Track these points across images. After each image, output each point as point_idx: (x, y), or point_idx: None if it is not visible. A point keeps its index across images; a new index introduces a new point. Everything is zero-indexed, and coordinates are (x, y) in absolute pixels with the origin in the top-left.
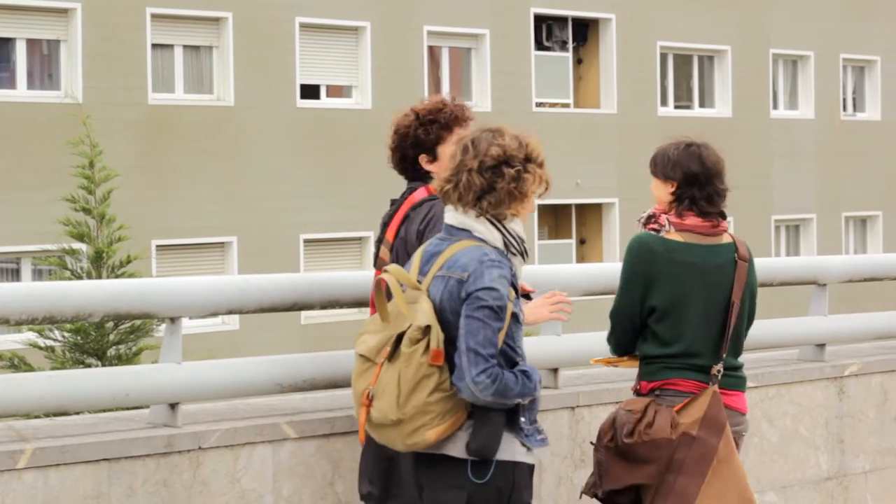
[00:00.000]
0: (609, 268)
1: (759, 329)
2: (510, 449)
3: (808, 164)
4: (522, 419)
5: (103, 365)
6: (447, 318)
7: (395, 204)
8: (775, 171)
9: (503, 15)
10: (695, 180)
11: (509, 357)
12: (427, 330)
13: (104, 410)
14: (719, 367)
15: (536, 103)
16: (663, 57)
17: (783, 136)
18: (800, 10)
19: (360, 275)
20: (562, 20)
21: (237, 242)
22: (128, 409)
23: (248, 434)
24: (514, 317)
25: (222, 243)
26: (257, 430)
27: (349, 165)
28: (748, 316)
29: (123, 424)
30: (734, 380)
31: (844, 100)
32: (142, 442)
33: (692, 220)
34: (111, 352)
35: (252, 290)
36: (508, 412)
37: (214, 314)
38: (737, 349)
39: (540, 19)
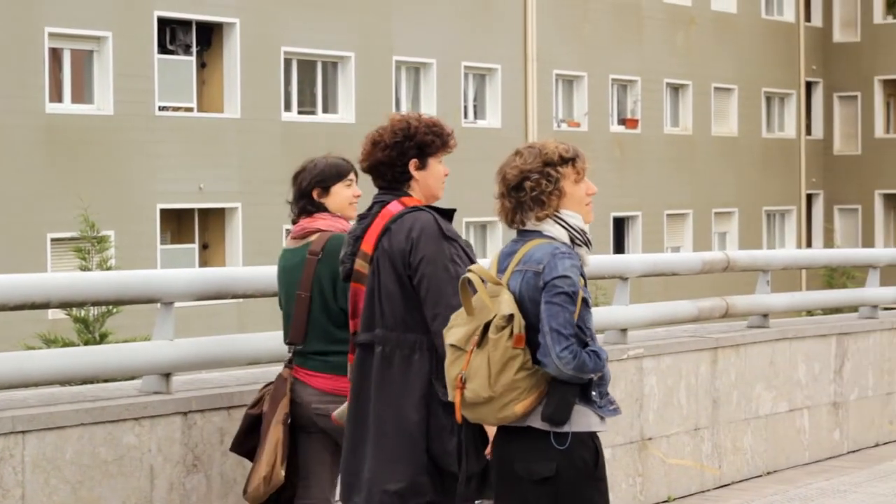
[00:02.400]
0: (229, 272)
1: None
2: (586, 421)
3: None
4: (594, 393)
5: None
6: (526, 307)
7: (367, 218)
8: None
9: (126, 17)
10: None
11: (579, 338)
12: (510, 318)
13: (107, 381)
14: (293, 350)
15: (159, 107)
16: (287, 62)
17: None
18: (422, 17)
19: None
20: (186, 24)
21: None
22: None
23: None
24: (584, 301)
25: None
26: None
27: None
28: (337, 300)
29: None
30: (317, 363)
31: (465, 107)
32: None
33: (293, 228)
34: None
35: None
36: (581, 387)
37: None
38: (325, 335)
39: (163, 22)
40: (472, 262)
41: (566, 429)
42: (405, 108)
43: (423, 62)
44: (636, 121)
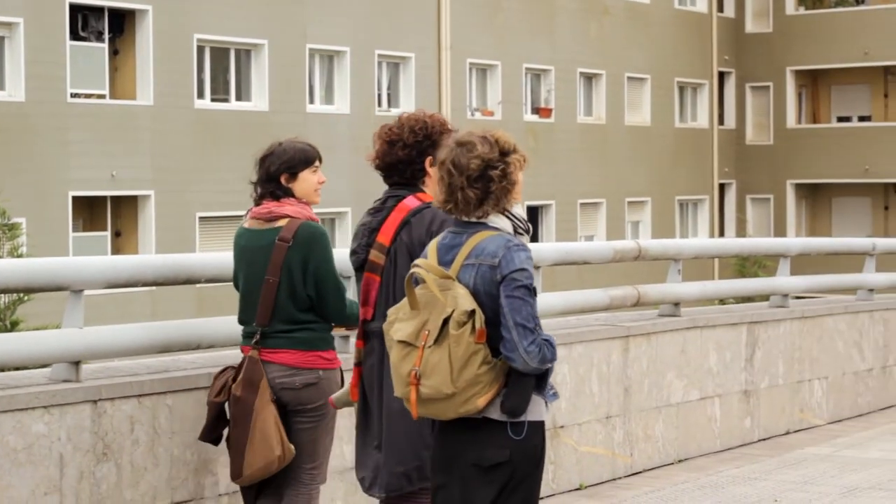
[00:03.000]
0: (139, 260)
1: None
2: (538, 409)
3: (344, 158)
4: (546, 383)
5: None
6: (482, 301)
7: (382, 211)
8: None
9: (38, 3)
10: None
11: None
12: (472, 313)
13: (17, 369)
14: (258, 333)
15: (71, 94)
16: (200, 49)
17: (319, 131)
18: (335, 5)
19: None
20: (98, 10)
21: None
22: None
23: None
24: (533, 291)
25: None
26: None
27: None
28: (305, 287)
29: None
30: (280, 340)
31: (379, 95)
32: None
33: (255, 209)
34: None
35: None
36: (537, 377)
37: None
38: (289, 318)
39: (76, 9)
40: None
41: (522, 419)
42: (318, 96)
43: (337, 50)
44: (549, 110)
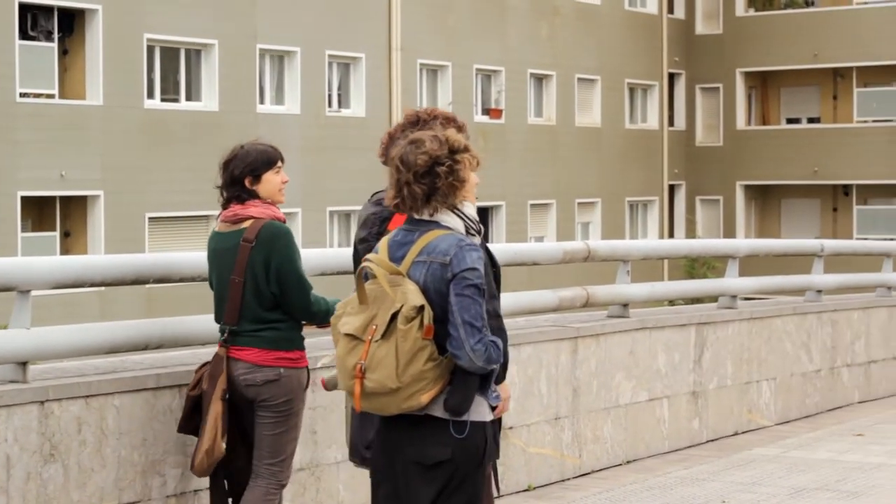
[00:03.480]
0: (87, 260)
1: None
2: (482, 411)
3: (295, 158)
4: (490, 384)
5: None
6: (431, 298)
7: None
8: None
9: None
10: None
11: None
12: (421, 309)
13: None
14: (227, 331)
15: (20, 94)
16: (150, 49)
17: (270, 131)
18: (286, 5)
19: None
20: (47, 10)
21: None
22: None
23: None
24: (482, 291)
25: None
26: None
27: None
28: (269, 285)
29: None
30: (248, 338)
31: (330, 95)
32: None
33: (223, 212)
34: None
35: None
36: (481, 378)
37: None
38: (256, 317)
39: (25, 8)
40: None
41: (465, 418)
42: (269, 97)
43: (288, 50)
44: (500, 111)
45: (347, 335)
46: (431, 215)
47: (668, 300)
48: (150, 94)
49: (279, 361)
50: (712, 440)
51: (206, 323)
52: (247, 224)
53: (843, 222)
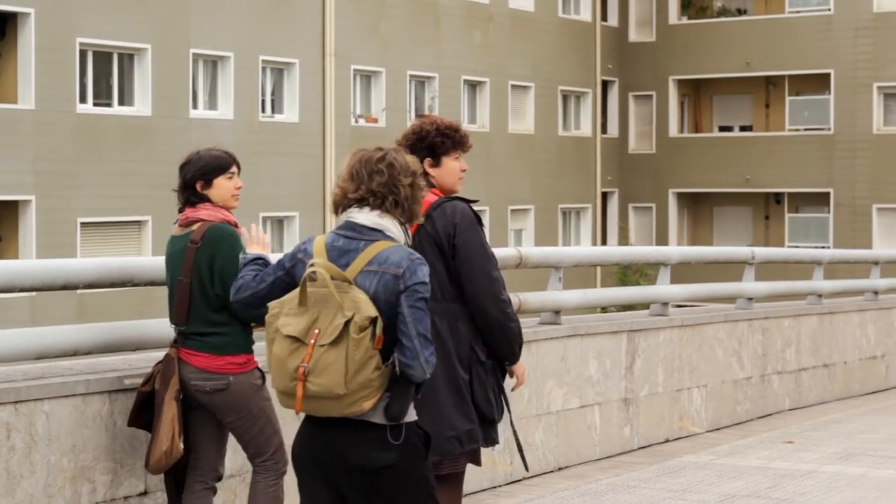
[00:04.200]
0: (16, 265)
1: None
2: (410, 412)
3: None
4: (420, 390)
5: None
6: (380, 308)
7: None
8: None
9: None
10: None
11: None
12: (374, 320)
13: None
14: (178, 332)
15: None
16: (83, 54)
17: (203, 136)
18: (219, 10)
19: None
20: None
21: None
22: None
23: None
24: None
25: None
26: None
27: None
28: (213, 286)
29: None
30: (196, 342)
31: (263, 101)
32: None
33: (179, 216)
34: None
35: None
36: (416, 384)
37: None
38: (204, 319)
39: None
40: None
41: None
42: (202, 102)
43: (221, 55)
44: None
45: (289, 336)
46: (380, 216)
47: (601, 307)
48: (83, 99)
49: (228, 367)
50: (643, 447)
51: (137, 328)
52: (195, 227)
53: (774, 230)
